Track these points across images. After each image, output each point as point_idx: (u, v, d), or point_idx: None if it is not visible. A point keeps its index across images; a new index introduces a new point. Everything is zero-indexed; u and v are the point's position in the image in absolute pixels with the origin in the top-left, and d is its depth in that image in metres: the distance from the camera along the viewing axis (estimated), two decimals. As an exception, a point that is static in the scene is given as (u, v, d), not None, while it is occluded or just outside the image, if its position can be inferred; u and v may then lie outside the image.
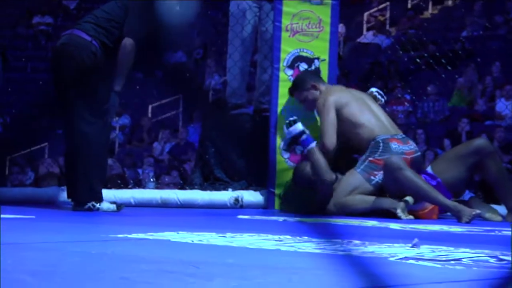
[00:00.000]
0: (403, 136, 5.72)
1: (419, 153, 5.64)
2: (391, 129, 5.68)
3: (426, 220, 5.16)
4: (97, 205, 5.17)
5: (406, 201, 5.27)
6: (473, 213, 4.96)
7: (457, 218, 5.01)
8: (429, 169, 5.54)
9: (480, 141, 5.57)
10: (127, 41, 5.20)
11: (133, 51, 5.21)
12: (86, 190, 5.15)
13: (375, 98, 5.91)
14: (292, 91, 6.03)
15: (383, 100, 5.94)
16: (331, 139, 5.58)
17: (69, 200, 5.33)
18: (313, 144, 5.52)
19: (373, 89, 6.05)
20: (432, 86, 12.36)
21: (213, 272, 2.16)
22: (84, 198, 5.16)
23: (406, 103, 12.68)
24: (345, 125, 5.65)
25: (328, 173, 5.47)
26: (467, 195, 5.60)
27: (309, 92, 5.88)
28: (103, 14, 5.32)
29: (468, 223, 4.89)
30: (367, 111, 5.72)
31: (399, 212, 5.20)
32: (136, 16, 5.28)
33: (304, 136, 5.54)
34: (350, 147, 5.72)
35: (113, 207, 5.22)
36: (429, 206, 5.32)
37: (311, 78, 5.94)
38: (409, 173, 5.21)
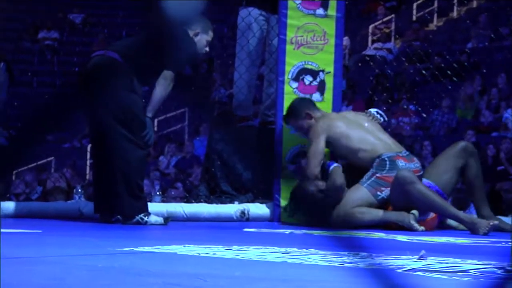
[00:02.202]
0: (407, 153, 5.76)
1: (422, 172, 5.66)
2: (394, 147, 5.72)
3: (432, 232, 5.15)
4: (145, 218, 5.21)
5: (413, 214, 5.29)
6: (491, 223, 4.97)
7: (472, 230, 5.01)
8: (424, 180, 5.54)
9: (465, 142, 5.85)
10: (168, 74, 5.33)
11: (172, 83, 5.35)
12: (132, 204, 5.19)
13: (373, 118, 5.93)
14: (287, 119, 6.02)
15: (381, 119, 5.95)
16: (313, 170, 5.62)
17: (97, 214, 5.40)
18: (332, 163, 5.60)
19: (372, 110, 6.07)
20: (443, 99, 12.35)
21: (220, 284, 2.16)
22: (131, 212, 5.20)
23: (412, 115, 12.68)
24: (344, 152, 5.72)
25: (341, 183, 5.51)
26: (472, 208, 5.63)
27: (304, 121, 5.88)
28: (137, 42, 5.40)
29: (486, 234, 4.89)
30: (365, 134, 5.75)
31: (414, 223, 5.23)
32: (179, 49, 5.36)
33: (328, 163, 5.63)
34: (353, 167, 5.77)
35: (160, 220, 5.27)
36: (432, 215, 5.35)
37: (305, 106, 5.93)
38: (422, 187, 5.25)
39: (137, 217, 5.19)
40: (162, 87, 5.33)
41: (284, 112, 6.16)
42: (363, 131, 5.76)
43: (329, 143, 5.70)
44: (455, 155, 5.61)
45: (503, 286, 2.21)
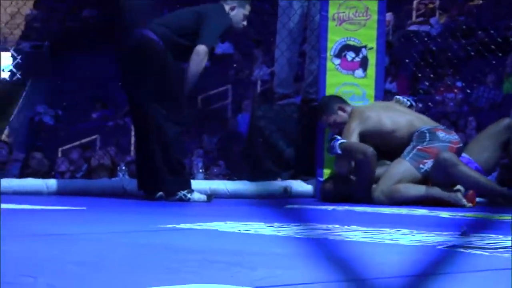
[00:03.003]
0: (445, 127, 5.77)
1: (461, 144, 5.64)
2: (430, 122, 5.75)
3: (475, 208, 5.13)
4: (188, 195, 5.24)
5: (459, 190, 5.29)
6: None
7: None
8: (463, 155, 5.53)
9: (509, 119, 5.72)
10: (200, 48, 5.29)
11: (206, 58, 5.32)
12: (174, 180, 5.22)
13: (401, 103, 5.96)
14: (320, 117, 6.02)
15: (408, 103, 5.95)
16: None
17: (141, 191, 5.42)
18: (339, 139, 5.59)
19: (398, 96, 6.12)
20: (488, 75, 12.21)
21: (258, 261, 2.16)
22: (174, 188, 5.23)
23: (456, 91, 12.55)
24: (382, 137, 5.70)
25: (366, 146, 5.50)
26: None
27: (337, 115, 5.87)
28: (174, 19, 5.40)
29: None
30: (401, 115, 5.76)
31: (462, 199, 5.24)
32: (214, 24, 5.34)
33: (332, 142, 5.63)
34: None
35: (203, 197, 5.30)
36: (471, 190, 5.35)
37: (337, 101, 5.94)
38: (465, 168, 5.26)
39: (180, 194, 5.21)
40: (194, 63, 5.29)
41: (327, 89, 6.15)
42: (396, 113, 5.78)
43: (364, 136, 5.68)
44: (498, 132, 5.58)
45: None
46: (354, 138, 5.67)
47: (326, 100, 6.02)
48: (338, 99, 5.97)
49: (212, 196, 5.39)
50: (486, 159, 5.54)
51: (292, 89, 6.88)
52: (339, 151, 5.61)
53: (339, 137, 5.67)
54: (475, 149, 5.58)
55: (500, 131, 5.59)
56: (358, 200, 5.53)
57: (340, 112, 5.86)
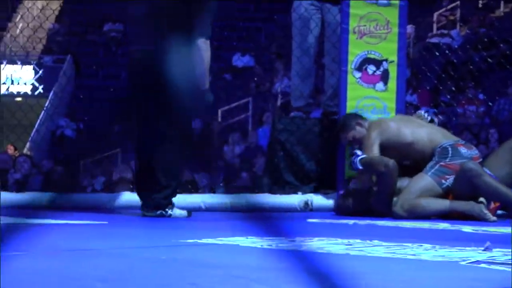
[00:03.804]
0: (465, 141, 5.80)
1: (481, 159, 5.63)
2: (451, 137, 5.76)
3: (498, 223, 5.09)
4: (169, 211, 5.16)
5: (483, 203, 5.27)
6: None
7: None
8: (484, 169, 5.49)
9: None
10: (201, 43, 5.21)
11: (209, 49, 5.26)
12: (160, 197, 5.13)
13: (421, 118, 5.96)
14: (339, 135, 6.03)
15: (429, 118, 5.94)
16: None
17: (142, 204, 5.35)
18: (359, 155, 5.60)
19: (419, 111, 6.13)
20: (509, 87, 12.16)
21: (280, 277, 2.16)
22: (157, 204, 5.14)
23: (478, 103, 12.51)
24: (402, 149, 5.68)
25: (387, 159, 5.50)
26: None
27: (356, 130, 5.87)
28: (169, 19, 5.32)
29: None
30: (420, 127, 5.75)
31: (486, 212, 5.22)
32: (210, 17, 5.31)
33: (353, 157, 5.63)
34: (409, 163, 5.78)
35: (184, 213, 5.23)
36: (493, 204, 5.34)
37: (354, 118, 5.94)
38: (489, 179, 5.25)
39: (161, 210, 5.12)
40: (201, 58, 5.21)
41: (348, 102, 6.16)
42: (415, 125, 5.77)
43: (384, 148, 5.67)
44: None
45: None
46: (375, 149, 5.65)
47: (343, 119, 6.04)
48: (355, 116, 5.97)
49: (191, 212, 5.32)
50: (507, 173, 5.50)
51: (306, 102, 6.86)
52: (360, 167, 5.60)
53: (359, 153, 5.66)
54: (495, 163, 5.54)
55: None
56: (378, 213, 5.51)
57: (358, 128, 5.86)
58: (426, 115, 5.98)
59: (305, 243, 3.18)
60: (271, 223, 4.91)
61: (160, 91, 5.05)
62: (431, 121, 5.94)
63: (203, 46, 5.24)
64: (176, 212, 5.18)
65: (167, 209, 5.14)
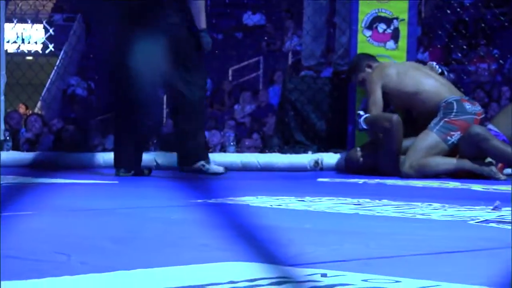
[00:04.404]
0: (468, 97, 5.83)
1: (484, 115, 5.66)
2: (456, 92, 5.72)
3: (508, 181, 5.09)
4: (207, 166, 5.02)
5: (492, 163, 5.29)
6: None
7: None
8: (490, 127, 5.49)
9: None
10: None
11: None
12: (193, 149, 4.97)
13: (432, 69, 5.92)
14: (350, 76, 6.01)
15: (439, 70, 5.90)
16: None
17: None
18: (363, 115, 5.59)
19: (431, 62, 6.11)
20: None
21: (291, 238, 2.17)
22: (192, 158, 4.99)
23: (490, 61, 12.44)
24: (404, 98, 5.66)
25: (390, 114, 5.50)
26: None
27: (366, 72, 5.83)
28: None
29: None
30: (427, 77, 5.72)
31: (496, 172, 5.25)
32: None
33: (358, 118, 5.63)
34: (413, 117, 5.76)
35: (221, 169, 5.07)
36: (499, 164, 5.37)
37: (366, 59, 5.91)
38: (496, 142, 5.25)
39: (199, 164, 5.01)
40: None
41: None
42: (421, 74, 5.72)
43: (385, 93, 5.65)
44: None
45: None
46: (377, 90, 5.62)
47: (355, 59, 6.02)
48: (367, 57, 5.94)
49: (228, 169, 5.22)
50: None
51: (317, 61, 6.83)
52: (365, 126, 5.59)
53: (362, 113, 5.64)
54: (503, 122, 5.54)
55: None
56: (384, 171, 5.49)
57: (368, 70, 5.83)
58: (437, 67, 5.94)
59: (316, 202, 3.18)
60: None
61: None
62: (442, 73, 5.91)
63: None
64: (213, 167, 5.04)
65: (204, 163, 4.99)
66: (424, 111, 5.61)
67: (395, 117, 5.46)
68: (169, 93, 4.98)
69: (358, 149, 5.78)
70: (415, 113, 5.74)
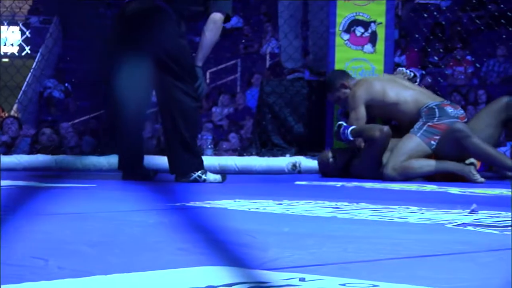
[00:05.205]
0: (449, 101, 5.87)
1: (466, 119, 5.69)
2: (436, 98, 5.79)
3: (486, 184, 5.13)
4: (203, 176, 4.90)
5: (473, 164, 5.34)
6: None
7: None
8: None
9: (508, 98, 5.71)
10: (217, 16, 4.92)
11: (221, 27, 4.98)
12: (189, 160, 4.86)
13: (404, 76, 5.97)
14: (326, 91, 6.06)
15: (411, 74, 5.94)
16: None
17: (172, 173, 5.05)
18: (348, 126, 5.62)
19: (401, 68, 6.17)
20: (498, 48, 12.16)
21: (268, 241, 2.17)
22: (188, 169, 4.88)
23: (466, 65, 12.50)
24: (386, 109, 5.72)
25: (381, 126, 5.52)
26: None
27: (340, 91, 5.86)
28: None
29: None
30: (404, 88, 5.77)
31: (476, 174, 5.28)
32: None
33: (341, 129, 5.63)
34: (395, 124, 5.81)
35: (219, 177, 4.97)
36: (477, 165, 5.45)
37: (339, 77, 5.92)
38: (478, 140, 5.28)
39: (195, 175, 4.95)
40: (211, 32, 4.91)
41: (336, 64, 6.16)
42: (400, 86, 5.78)
43: (369, 106, 5.68)
44: (498, 110, 5.62)
45: None
46: (361, 109, 5.66)
47: (329, 77, 6.05)
48: (341, 75, 5.94)
49: (225, 176, 5.18)
50: (487, 135, 5.53)
51: (301, 63, 6.86)
52: (350, 138, 5.58)
53: (344, 124, 5.65)
54: (477, 126, 5.58)
55: (499, 109, 5.63)
56: (364, 176, 5.50)
57: (343, 90, 5.85)
58: (408, 71, 6.00)
59: (293, 205, 3.18)
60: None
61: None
62: (414, 76, 5.95)
63: (212, 22, 4.93)
64: (211, 177, 4.93)
65: (200, 174, 4.89)
66: (405, 119, 5.66)
67: (386, 128, 5.47)
68: (163, 102, 4.87)
69: (329, 150, 5.82)
70: (397, 121, 5.79)
